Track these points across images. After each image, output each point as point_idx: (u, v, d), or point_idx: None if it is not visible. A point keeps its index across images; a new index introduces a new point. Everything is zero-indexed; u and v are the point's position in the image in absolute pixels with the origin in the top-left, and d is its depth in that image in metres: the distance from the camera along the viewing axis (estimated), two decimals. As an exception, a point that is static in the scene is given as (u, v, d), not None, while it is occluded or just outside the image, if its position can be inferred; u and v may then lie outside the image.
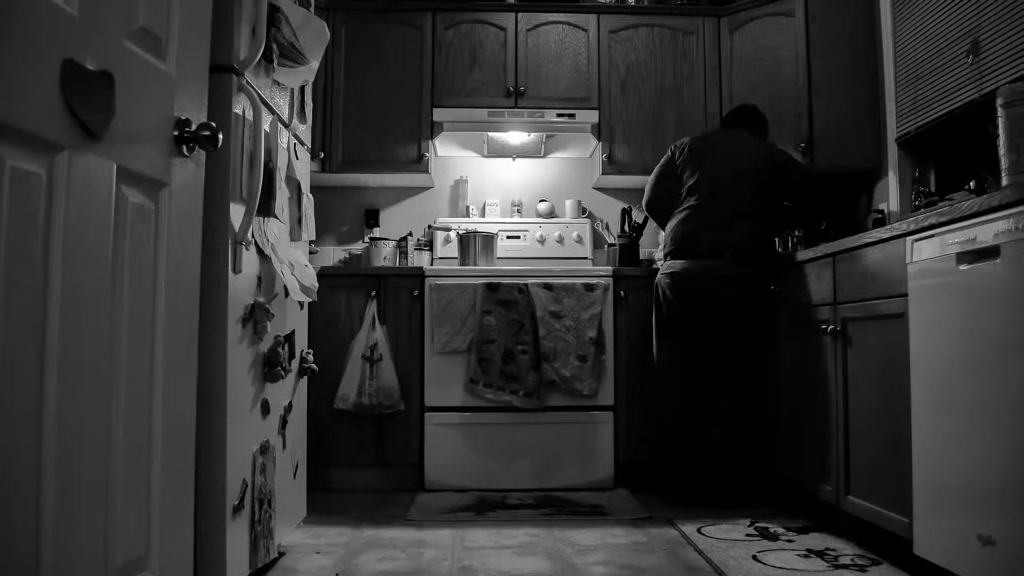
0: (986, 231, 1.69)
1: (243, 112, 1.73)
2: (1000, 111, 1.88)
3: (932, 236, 1.89)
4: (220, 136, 1.31)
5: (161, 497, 1.26)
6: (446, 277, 3.17)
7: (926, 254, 1.92)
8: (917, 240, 1.96)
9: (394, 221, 3.85)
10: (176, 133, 1.28)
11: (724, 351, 2.94)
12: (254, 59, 1.72)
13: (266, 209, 1.86)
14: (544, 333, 3.09)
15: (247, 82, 1.73)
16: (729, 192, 2.92)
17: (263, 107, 1.89)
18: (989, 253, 1.68)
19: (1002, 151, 1.87)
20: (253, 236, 1.80)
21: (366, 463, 3.14)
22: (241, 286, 1.74)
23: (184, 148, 1.30)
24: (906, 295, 1.99)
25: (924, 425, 1.92)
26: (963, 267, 1.77)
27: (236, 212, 1.71)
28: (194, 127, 1.30)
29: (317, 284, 2.12)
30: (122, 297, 1.17)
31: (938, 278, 1.86)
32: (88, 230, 1.08)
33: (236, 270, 1.69)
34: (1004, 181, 1.86)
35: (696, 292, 2.88)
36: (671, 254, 2.96)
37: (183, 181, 1.32)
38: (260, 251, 1.85)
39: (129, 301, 1.18)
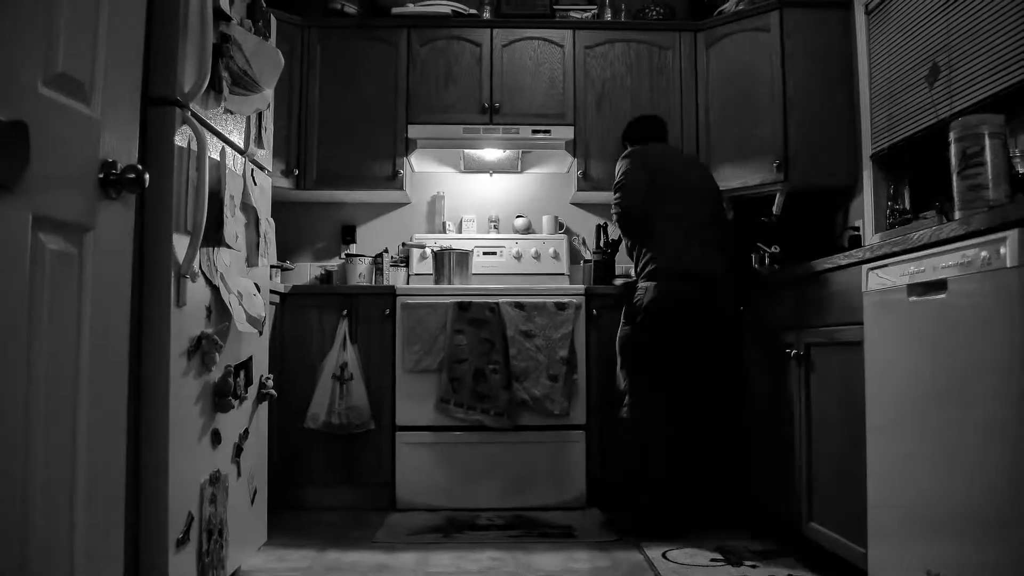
0: (935, 264, 1.68)
1: (188, 144, 1.73)
2: (952, 144, 1.87)
3: (886, 266, 1.88)
4: (146, 178, 1.30)
5: (87, 545, 1.26)
6: (418, 296, 3.16)
7: (880, 283, 1.91)
8: (872, 268, 1.95)
9: (371, 237, 3.85)
10: (101, 176, 1.28)
11: (706, 376, 2.89)
12: (199, 91, 1.71)
13: (215, 239, 1.86)
14: (515, 352, 3.08)
15: (192, 113, 1.73)
16: (699, 216, 2.88)
17: (212, 137, 1.88)
18: (937, 286, 1.67)
19: (954, 182, 1.86)
20: (201, 267, 1.79)
21: (338, 482, 3.14)
22: (187, 318, 1.73)
23: (111, 191, 1.29)
24: (862, 323, 1.98)
25: (877, 455, 1.91)
26: (913, 299, 1.76)
27: (181, 244, 1.71)
28: (120, 169, 1.29)
29: (264, 314, 2.12)
30: (41, 344, 1.16)
31: (891, 308, 1.85)
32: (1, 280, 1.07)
33: (180, 303, 1.69)
34: (956, 214, 1.84)
35: (690, 317, 2.78)
36: (664, 275, 2.76)
37: (110, 224, 1.31)
38: (209, 281, 1.85)
39: (49, 347, 1.17)
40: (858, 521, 1.98)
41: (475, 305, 3.12)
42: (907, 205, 3.14)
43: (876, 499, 1.90)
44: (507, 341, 3.08)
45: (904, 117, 2.93)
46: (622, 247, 3.70)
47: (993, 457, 1.48)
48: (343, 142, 3.51)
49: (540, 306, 3.13)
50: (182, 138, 1.71)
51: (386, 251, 3.68)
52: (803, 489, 2.33)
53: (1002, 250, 1.47)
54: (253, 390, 2.20)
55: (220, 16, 1.87)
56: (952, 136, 1.89)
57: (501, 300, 3.13)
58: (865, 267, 1.97)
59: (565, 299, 3.15)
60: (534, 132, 3.51)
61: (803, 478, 2.34)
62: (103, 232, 1.29)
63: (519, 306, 3.12)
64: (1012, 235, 1.44)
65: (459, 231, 3.83)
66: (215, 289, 1.88)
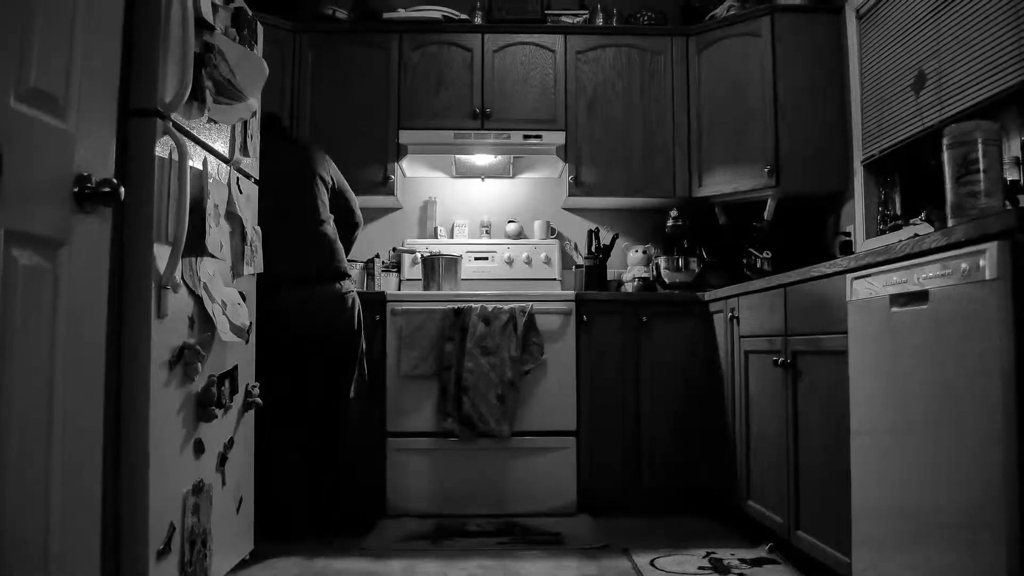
0: (917, 275, 1.68)
1: (170, 154, 1.73)
2: (947, 150, 1.86)
3: (869, 275, 1.88)
4: (122, 191, 1.31)
5: (61, 553, 1.25)
6: (406, 302, 3.16)
7: (864, 293, 1.90)
8: (856, 278, 1.94)
9: (364, 242, 3.82)
10: (76, 190, 1.28)
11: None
12: (180, 101, 1.71)
13: (198, 249, 1.85)
14: (470, 367, 3.08)
15: (173, 124, 1.73)
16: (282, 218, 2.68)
17: (195, 146, 1.88)
18: (919, 297, 1.67)
19: (949, 189, 1.84)
20: (183, 278, 1.79)
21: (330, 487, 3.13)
22: (168, 329, 1.73)
23: (86, 205, 1.29)
24: (847, 332, 1.98)
25: (861, 464, 1.90)
26: (896, 308, 1.75)
27: (163, 254, 1.71)
28: (95, 183, 1.29)
29: (248, 322, 2.11)
30: (13, 358, 1.16)
31: (874, 318, 1.85)
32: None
33: (161, 314, 1.68)
34: (949, 221, 1.83)
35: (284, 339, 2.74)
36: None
37: (85, 237, 1.31)
38: (192, 292, 1.84)
39: (22, 361, 1.17)
40: (843, 530, 1.97)
41: (464, 312, 3.12)
42: (898, 211, 3.14)
43: (860, 508, 1.90)
44: (464, 355, 3.08)
45: (895, 123, 2.93)
46: (615, 252, 3.70)
47: (975, 465, 1.48)
48: (334, 147, 3.48)
49: (501, 323, 3.11)
50: (163, 148, 1.71)
51: (377, 256, 3.68)
52: (791, 497, 2.33)
53: (982, 262, 1.46)
54: (239, 399, 2.20)
55: (203, 26, 1.86)
56: (945, 142, 1.87)
57: (473, 310, 3.13)
58: (849, 276, 1.97)
59: (522, 316, 3.11)
60: (525, 137, 3.50)
61: (790, 486, 2.34)
62: (78, 246, 1.29)
63: (486, 321, 3.11)
64: (991, 247, 1.44)
65: (451, 236, 3.82)
66: (198, 299, 1.87)
